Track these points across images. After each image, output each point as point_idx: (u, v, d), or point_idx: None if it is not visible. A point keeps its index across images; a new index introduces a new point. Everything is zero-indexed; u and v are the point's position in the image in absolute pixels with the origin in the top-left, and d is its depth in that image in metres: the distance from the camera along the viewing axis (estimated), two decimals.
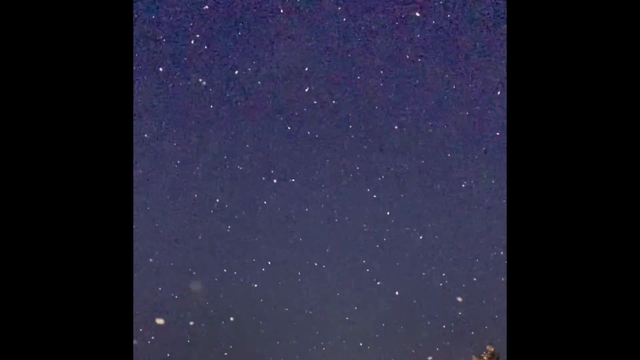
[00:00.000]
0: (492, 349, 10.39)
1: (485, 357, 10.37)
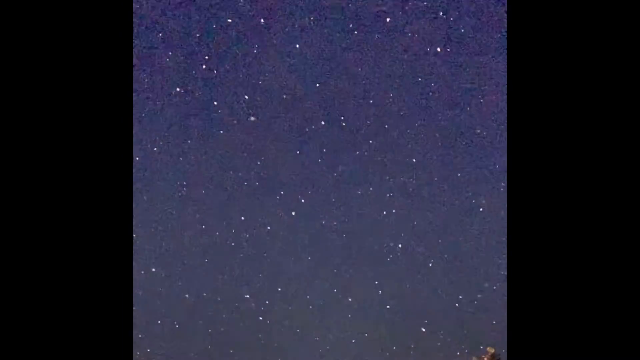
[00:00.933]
0: (493, 351, 10.37)
1: (485, 359, 10.35)
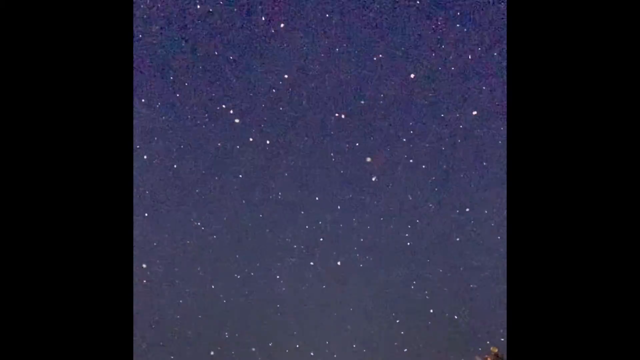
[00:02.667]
0: (496, 350, 10.35)
1: (489, 358, 10.33)
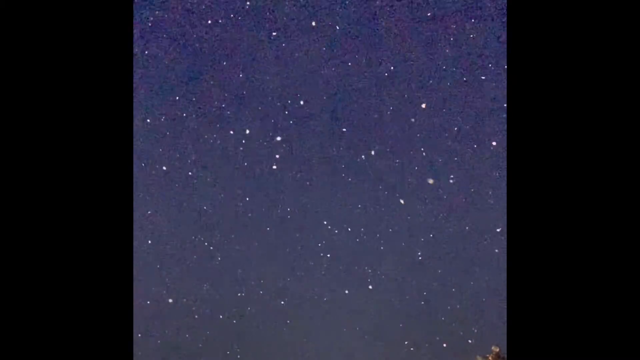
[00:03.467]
0: (497, 349, 10.33)
1: (490, 358, 10.31)
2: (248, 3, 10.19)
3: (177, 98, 10.97)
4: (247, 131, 11.08)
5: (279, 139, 11.05)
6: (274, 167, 11.35)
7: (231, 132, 11.27)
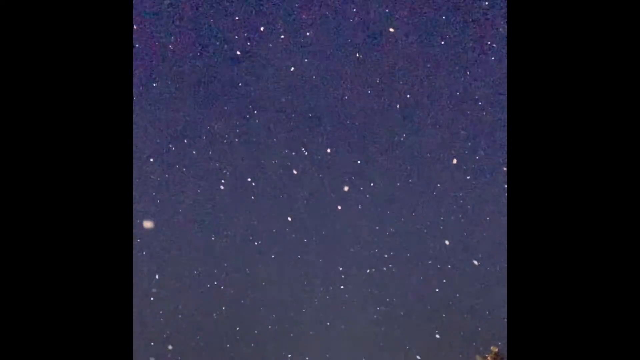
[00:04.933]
0: (496, 350, 10.34)
1: (489, 358, 10.32)
2: None
3: None
4: None
5: None
6: None
7: None
